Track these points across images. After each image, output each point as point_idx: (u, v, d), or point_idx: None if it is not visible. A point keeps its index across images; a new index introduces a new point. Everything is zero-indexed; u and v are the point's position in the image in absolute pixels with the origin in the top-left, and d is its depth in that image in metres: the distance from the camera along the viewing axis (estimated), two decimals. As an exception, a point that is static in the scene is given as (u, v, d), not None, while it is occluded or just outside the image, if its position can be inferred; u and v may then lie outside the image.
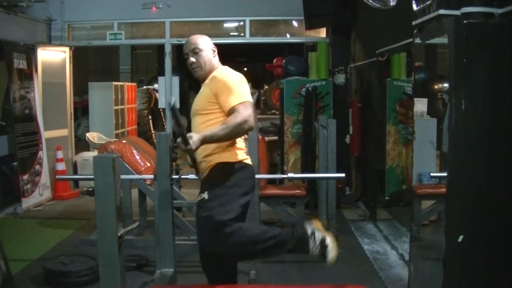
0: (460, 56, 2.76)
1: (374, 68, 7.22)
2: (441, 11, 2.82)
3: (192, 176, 4.30)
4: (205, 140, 3.14)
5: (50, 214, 7.56)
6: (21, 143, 7.66)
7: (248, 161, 3.48)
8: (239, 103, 3.23)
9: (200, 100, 3.42)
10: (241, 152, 3.44)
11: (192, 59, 3.48)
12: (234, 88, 3.30)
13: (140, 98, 13.55)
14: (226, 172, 3.32)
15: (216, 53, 3.57)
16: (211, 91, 3.34)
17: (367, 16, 7.53)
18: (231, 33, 9.69)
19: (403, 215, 6.75)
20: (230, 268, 3.59)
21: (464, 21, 2.74)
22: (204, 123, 3.34)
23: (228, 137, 3.24)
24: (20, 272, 4.98)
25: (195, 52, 3.47)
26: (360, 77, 8.21)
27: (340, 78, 8.30)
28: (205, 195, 3.27)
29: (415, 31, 3.40)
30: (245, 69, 20.09)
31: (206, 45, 3.51)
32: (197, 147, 3.11)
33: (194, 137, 3.09)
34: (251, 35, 8.99)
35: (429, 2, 3.02)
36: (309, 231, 3.31)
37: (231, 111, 3.23)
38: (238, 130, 3.20)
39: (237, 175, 3.34)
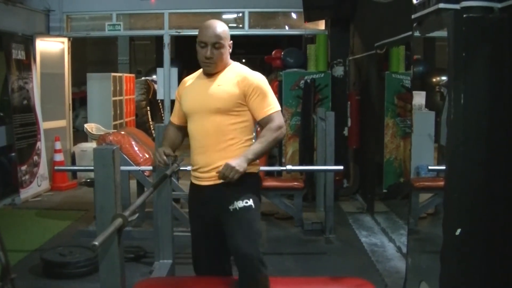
0: (460, 50, 2.76)
1: (372, 61, 7.22)
2: (441, 5, 2.82)
3: (188, 168, 4.32)
4: (250, 161, 2.97)
5: (48, 205, 7.57)
6: (19, 133, 7.66)
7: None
8: (275, 112, 3.08)
9: (224, 99, 3.05)
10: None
11: (209, 54, 3.06)
12: (269, 95, 3.11)
13: (139, 89, 13.55)
14: (255, 182, 3.18)
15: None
16: (241, 92, 3.05)
17: (366, 8, 7.53)
18: (229, 25, 9.65)
19: (400, 208, 6.76)
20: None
21: (464, 15, 2.74)
22: (235, 125, 3.07)
23: (268, 151, 3.16)
24: (18, 263, 5.00)
25: (216, 47, 3.07)
26: (359, 69, 8.20)
27: (339, 71, 8.31)
28: (251, 203, 3.05)
29: (414, 25, 3.39)
30: (244, 61, 20.03)
31: (227, 40, 3.14)
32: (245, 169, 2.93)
33: (238, 162, 2.89)
34: (250, 27, 8.99)
35: (428, -5, 3.03)
36: None
37: (266, 120, 3.06)
38: (276, 142, 3.12)
39: (259, 187, 3.24)
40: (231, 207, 3.02)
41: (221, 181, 2.99)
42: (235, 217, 3.02)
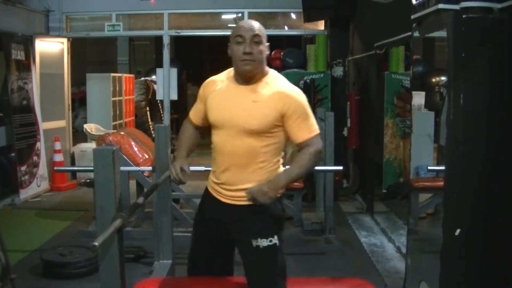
0: (459, 51, 2.77)
1: (372, 61, 7.22)
2: (440, 5, 2.82)
3: (191, 168, 4.31)
4: (284, 187, 2.74)
5: (48, 205, 7.57)
6: (19, 134, 7.66)
7: None
8: (315, 135, 2.81)
9: (259, 121, 2.72)
10: None
11: (248, 48, 2.71)
12: (309, 116, 2.82)
13: (138, 90, 13.52)
14: (282, 203, 2.92)
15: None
16: (278, 113, 2.73)
17: (365, 9, 7.53)
18: (229, 25, 9.67)
19: (400, 208, 6.77)
20: None
21: (463, 16, 2.74)
22: (268, 147, 2.78)
23: (302, 178, 3.05)
24: (18, 263, 4.99)
25: (256, 41, 2.74)
26: (358, 70, 8.21)
27: (338, 71, 8.32)
28: (276, 240, 2.79)
29: (414, 25, 3.40)
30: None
31: (265, 40, 2.81)
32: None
33: (272, 187, 2.65)
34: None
35: (428, -4, 3.03)
36: None
37: (304, 144, 2.78)
38: (312, 168, 2.90)
39: (284, 216, 2.96)
40: (254, 243, 2.77)
41: (244, 203, 2.76)
42: (258, 256, 2.79)
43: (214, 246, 2.98)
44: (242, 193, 2.72)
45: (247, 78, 2.79)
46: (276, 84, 2.81)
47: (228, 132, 2.79)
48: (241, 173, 2.78)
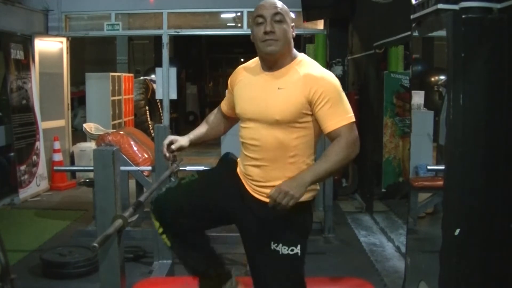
0: (459, 51, 2.77)
1: (371, 60, 7.22)
2: (440, 5, 2.82)
3: (190, 167, 4.31)
4: (309, 185, 2.35)
5: (48, 205, 7.57)
6: (18, 133, 7.65)
7: None
8: (348, 124, 2.42)
9: (284, 109, 2.44)
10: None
11: (269, 27, 2.43)
12: (342, 102, 2.46)
13: (137, 89, 13.52)
14: (307, 216, 2.62)
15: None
16: (305, 99, 2.42)
17: (364, 8, 7.53)
18: (228, 24, 9.68)
19: (399, 207, 6.78)
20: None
21: (463, 16, 2.74)
22: (298, 139, 2.48)
23: (334, 173, 2.59)
24: (17, 263, 4.99)
25: (277, 20, 2.45)
26: (358, 69, 8.21)
27: (338, 70, 8.32)
28: (298, 250, 2.50)
29: (413, 25, 3.40)
30: (242, 60, 20.02)
31: (289, 18, 2.51)
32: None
33: (294, 185, 2.28)
34: (249, 26, 8.98)
35: (427, -4, 3.03)
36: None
37: (335, 134, 2.42)
38: (347, 161, 2.45)
39: (310, 223, 2.66)
40: (273, 246, 2.49)
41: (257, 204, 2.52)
42: (274, 263, 2.50)
43: (210, 206, 2.68)
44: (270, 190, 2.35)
45: (272, 62, 2.51)
46: (304, 67, 2.49)
47: (254, 125, 2.53)
48: (271, 169, 2.49)
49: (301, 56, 2.56)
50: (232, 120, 2.88)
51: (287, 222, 2.47)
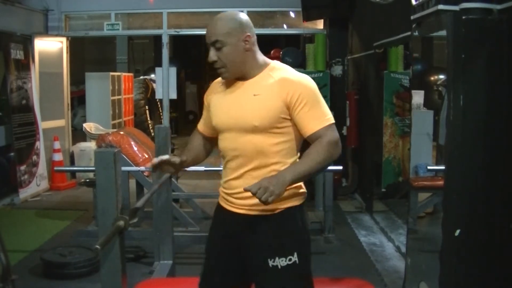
0: (459, 52, 2.78)
1: (371, 60, 7.23)
2: (440, 6, 2.83)
3: (190, 168, 4.30)
4: (289, 184, 2.27)
5: (48, 205, 7.57)
6: (18, 133, 7.66)
7: None
8: (327, 125, 2.37)
9: (262, 115, 2.37)
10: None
11: (211, 56, 2.42)
12: (319, 104, 2.42)
13: (137, 89, 13.52)
14: (302, 221, 2.50)
15: (252, 41, 2.47)
16: (283, 103, 2.37)
17: (364, 8, 7.53)
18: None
19: (399, 207, 6.78)
20: None
21: (463, 17, 2.75)
22: (278, 145, 2.41)
23: (315, 174, 2.44)
24: (18, 263, 4.99)
25: (217, 47, 2.40)
26: (358, 69, 8.22)
27: (337, 70, 8.31)
28: (296, 258, 2.42)
29: (413, 26, 3.41)
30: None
31: (232, 36, 2.40)
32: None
33: (274, 182, 2.20)
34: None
35: (428, -4, 3.04)
36: None
37: (315, 137, 2.36)
38: (329, 162, 2.39)
39: (306, 226, 2.56)
40: (270, 262, 2.40)
41: (258, 213, 2.41)
42: (276, 279, 2.42)
43: (229, 261, 2.59)
44: (255, 201, 2.25)
45: (240, 77, 2.47)
46: (278, 72, 2.44)
47: (232, 134, 2.46)
48: (252, 178, 2.36)
49: (273, 63, 2.52)
50: (212, 140, 2.76)
51: (278, 232, 2.42)
